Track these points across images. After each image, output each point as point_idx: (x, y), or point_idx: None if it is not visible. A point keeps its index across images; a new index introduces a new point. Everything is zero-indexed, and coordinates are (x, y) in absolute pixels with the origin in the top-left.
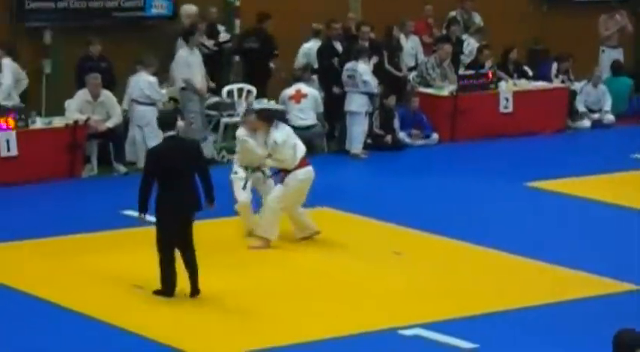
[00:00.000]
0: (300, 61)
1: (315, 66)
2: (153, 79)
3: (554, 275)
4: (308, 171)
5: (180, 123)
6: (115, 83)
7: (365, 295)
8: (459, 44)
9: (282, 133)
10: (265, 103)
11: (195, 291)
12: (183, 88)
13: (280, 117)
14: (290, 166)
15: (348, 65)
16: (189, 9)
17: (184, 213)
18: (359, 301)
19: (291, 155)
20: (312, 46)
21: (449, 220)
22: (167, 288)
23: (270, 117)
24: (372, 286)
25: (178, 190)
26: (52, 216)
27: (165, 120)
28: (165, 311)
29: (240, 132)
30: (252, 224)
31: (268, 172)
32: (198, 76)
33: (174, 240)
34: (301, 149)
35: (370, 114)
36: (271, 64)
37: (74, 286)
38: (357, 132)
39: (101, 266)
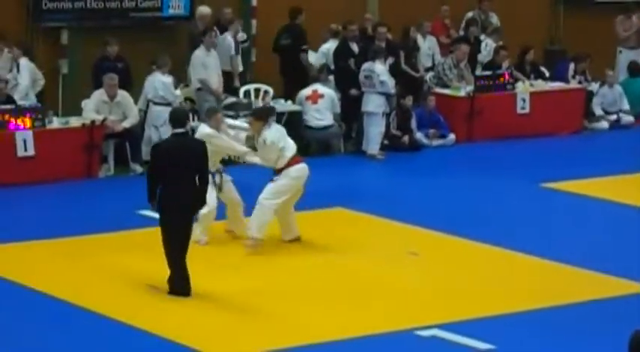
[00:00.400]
0: (318, 61)
1: (332, 67)
2: (168, 80)
3: (570, 276)
4: (301, 168)
5: (193, 123)
6: (132, 83)
7: (381, 295)
8: (477, 45)
9: (273, 134)
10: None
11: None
12: (199, 89)
13: (273, 115)
14: (274, 166)
15: (365, 65)
16: (203, 10)
17: (186, 212)
18: (375, 301)
19: (277, 157)
20: (330, 46)
21: (465, 220)
22: (183, 287)
23: (265, 116)
24: (388, 287)
25: (180, 188)
26: (68, 216)
27: (176, 117)
28: (181, 311)
29: (205, 130)
30: (242, 228)
31: (226, 176)
32: (215, 77)
33: (181, 236)
34: (292, 148)
35: (387, 115)
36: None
37: (90, 285)
38: (374, 133)
39: (117, 266)
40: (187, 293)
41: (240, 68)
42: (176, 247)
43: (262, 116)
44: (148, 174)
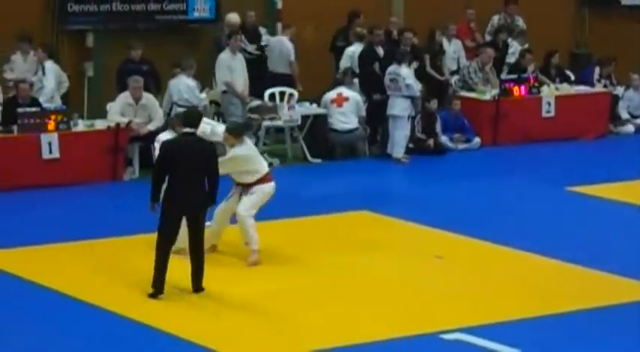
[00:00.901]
0: (343, 64)
1: (357, 70)
2: (192, 83)
3: (596, 280)
4: (273, 187)
5: (204, 126)
6: (160, 85)
7: (406, 299)
8: (504, 49)
9: (243, 150)
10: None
11: (198, 288)
12: (224, 92)
13: (248, 131)
14: (233, 178)
15: (391, 69)
16: (232, 18)
17: (188, 213)
18: (400, 305)
19: (232, 171)
20: (355, 49)
21: (490, 224)
22: (158, 286)
23: (240, 133)
24: (412, 290)
25: (184, 188)
26: (93, 218)
27: (189, 116)
28: (203, 313)
29: (163, 136)
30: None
31: None
32: (240, 80)
33: (173, 235)
34: (265, 165)
35: (412, 118)
36: None
37: (114, 288)
38: (400, 137)
39: (141, 269)
40: (162, 292)
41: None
42: (167, 246)
43: (237, 133)
44: (154, 171)
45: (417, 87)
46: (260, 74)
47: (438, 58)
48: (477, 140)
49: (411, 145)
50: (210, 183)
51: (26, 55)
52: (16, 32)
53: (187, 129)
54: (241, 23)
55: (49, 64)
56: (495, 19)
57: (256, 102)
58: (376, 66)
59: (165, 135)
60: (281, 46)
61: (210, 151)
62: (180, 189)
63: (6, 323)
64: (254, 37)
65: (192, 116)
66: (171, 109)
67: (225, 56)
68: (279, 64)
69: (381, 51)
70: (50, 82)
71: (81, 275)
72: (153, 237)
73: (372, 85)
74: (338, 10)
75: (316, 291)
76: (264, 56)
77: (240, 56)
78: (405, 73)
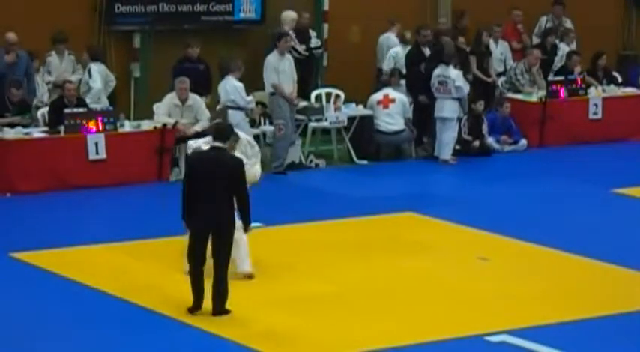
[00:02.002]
0: (387, 65)
1: (403, 71)
2: (239, 85)
3: None
4: None
5: (233, 137)
6: (212, 85)
7: (450, 300)
8: (553, 52)
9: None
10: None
11: (216, 311)
12: (272, 93)
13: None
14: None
15: (438, 71)
16: (292, 15)
17: (210, 228)
18: (444, 306)
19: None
20: (399, 50)
21: (536, 226)
22: (194, 302)
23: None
24: (457, 292)
25: (206, 203)
26: (139, 219)
27: (219, 129)
28: (250, 314)
29: (194, 143)
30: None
31: None
32: (289, 82)
33: (201, 253)
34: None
35: (459, 120)
36: None
37: (159, 288)
38: (449, 138)
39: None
40: (199, 307)
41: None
42: (194, 261)
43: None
44: (183, 187)
45: (466, 88)
46: (307, 75)
47: (484, 59)
48: (523, 142)
49: (457, 147)
50: (238, 202)
51: (62, 56)
52: (55, 34)
53: (217, 143)
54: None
55: (95, 66)
56: (543, 20)
57: (303, 104)
58: (422, 66)
59: (198, 143)
60: (388, 42)
61: (236, 169)
62: (201, 205)
63: (59, 325)
64: (304, 38)
65: (222, 130)
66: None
67: (272, 58)
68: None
69: (427, 51)
70: (97, 83)
71: (127, 276)
72: None
73: (418, 85)
74: (384, 11)
75: (361, 292)
76: (313, 58)
77: (288, 57)
78: (455, 74)
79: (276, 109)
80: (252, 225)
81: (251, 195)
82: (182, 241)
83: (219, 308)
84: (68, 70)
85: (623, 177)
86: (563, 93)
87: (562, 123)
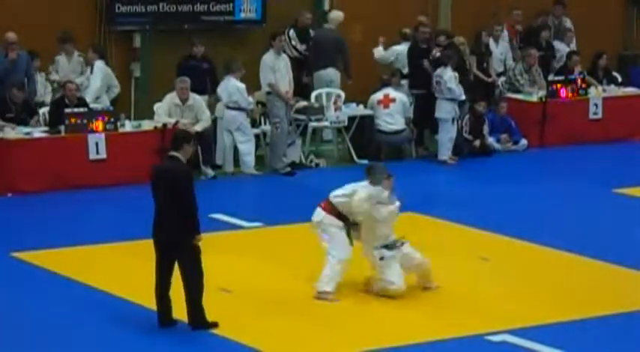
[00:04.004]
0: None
1: (405, 70)
2: (241, 85)
3: None
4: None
5: (187, 146)
6: (216, 85)
7: (452, 300)
8: (549, 50)
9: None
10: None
11: (191, 322)
12: (268, 93)
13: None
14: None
15: (437, 71)
16: (338, 14)
17: (161, 239)
18: (445, 306)
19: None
20: (402, 49)
21: (536, 226)
22: (158, 316)
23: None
24: (458, 291)
25: (158, 213)
26: (140, 219)
27: (175, 138)
28: (251, 313)
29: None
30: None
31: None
32: (284, 81)
33: (160, 266)
34: None
35: (459, 120)
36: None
37: None
38: (445, 139)
39: None
40: (162, 323)
41: None
42: (157, 272)
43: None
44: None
45: (458, 91)
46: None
47: (484, 59)
48: (523, 141)
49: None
50: (180, 211)
51: (70, 56)
52: (60, 33)
53: (171, 153)
54: (294, 22)
55: (99, 63)
56: (541, 20)
57: (303, 103)
58: (425, 62)
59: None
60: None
61: (180, 179)
62: (155, 215)
63: (60, 325)
64: (305, 38)
65: (177, 138)
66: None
67: (268, 57)
68: None
69: (424, 46)
70: (96, 80)
71: (129, 276)
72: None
73: (418, 81)
74: (384, 11)
75: (362, 293)
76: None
77: (284, 57)
78: (448, 76)
79: (272, 108)
80: (252, 224)
81: (249, 194)
82: None
83: (192, 319)
84: (75, 71)
85: (623, 177)
86: (563, 93)
87: (562, 123)
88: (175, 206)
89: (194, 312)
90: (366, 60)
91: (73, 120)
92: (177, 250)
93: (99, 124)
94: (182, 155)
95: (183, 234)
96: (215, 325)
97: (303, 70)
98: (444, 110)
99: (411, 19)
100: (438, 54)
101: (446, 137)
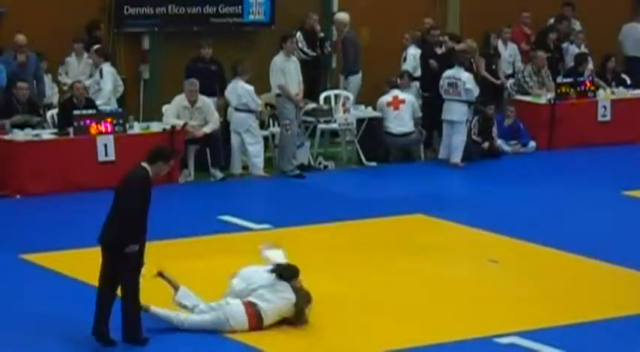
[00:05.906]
0: (409, 65)
1: (416, 73)
2: (250, 88)
3: None
4: None
5: (162, 165)
6: (225, 87)
7: (460, 302)
8: (557, 52)
9: None
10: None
11: (125, 337)
12: (278, 95)
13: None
14: None
15: (450, 72)
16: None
17: (100, 238)
18: (454, 308)
19: None
20: (414, 52)
21: (545, 228)
22: (94, 330)
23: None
24: (467, 293)
25: (107, 214)
26: (149, 220)
27: (154, 152)
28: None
29: None
30: None
31: None
32: (294, 83)
33: (104, 273)
34: None
35: (468, 122)
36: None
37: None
38: (458, 142)
39: (197, 271)
40: (97, 337)
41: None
42: (101, 280)
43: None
44: None
45: (475, 92)
46: (316, 76)
47: (493, 61)
48: (532, 144)
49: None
50: (116, 213)
51: (80, 57)
52: (72, 35)
53: (142, 163)
54: (302, 24)
55: (107, 67)
56: (550, 22)
57: (311, 105)
58: (432, 62)
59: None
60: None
61: (129, 182)
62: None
63: (69, 327)
64: (313, 39)
65: (156, 153)
66: (226, 113)
67: (278, 59)
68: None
69: (438, 51)
70: (107, 84)
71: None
72: (209, 239)
73: (429, 83)
74: (392, 12)
75: (371, 295)
76: (321, 59)
77: (294, 59)
78: (466, 77)
79: (283, 110)
80: (261, 226)
81: (258, 196)
82: (188, 243)
83: (126, 335)
84: (85, 73)
85: (632, 180)
86: (572, 95)
87: (571, 125)
88: (118, 210)
89: (127, 325)
90: (373, 62)
91: (81, 122)
92: (117, 256)
93: (107, 126)
94: (152, 170)
95: (119, 239)
96: (146, 340)
97: (310, 71)
98: (458, 113)
99: (420, 22)
100: (443, 49)
101: (459, 139)
